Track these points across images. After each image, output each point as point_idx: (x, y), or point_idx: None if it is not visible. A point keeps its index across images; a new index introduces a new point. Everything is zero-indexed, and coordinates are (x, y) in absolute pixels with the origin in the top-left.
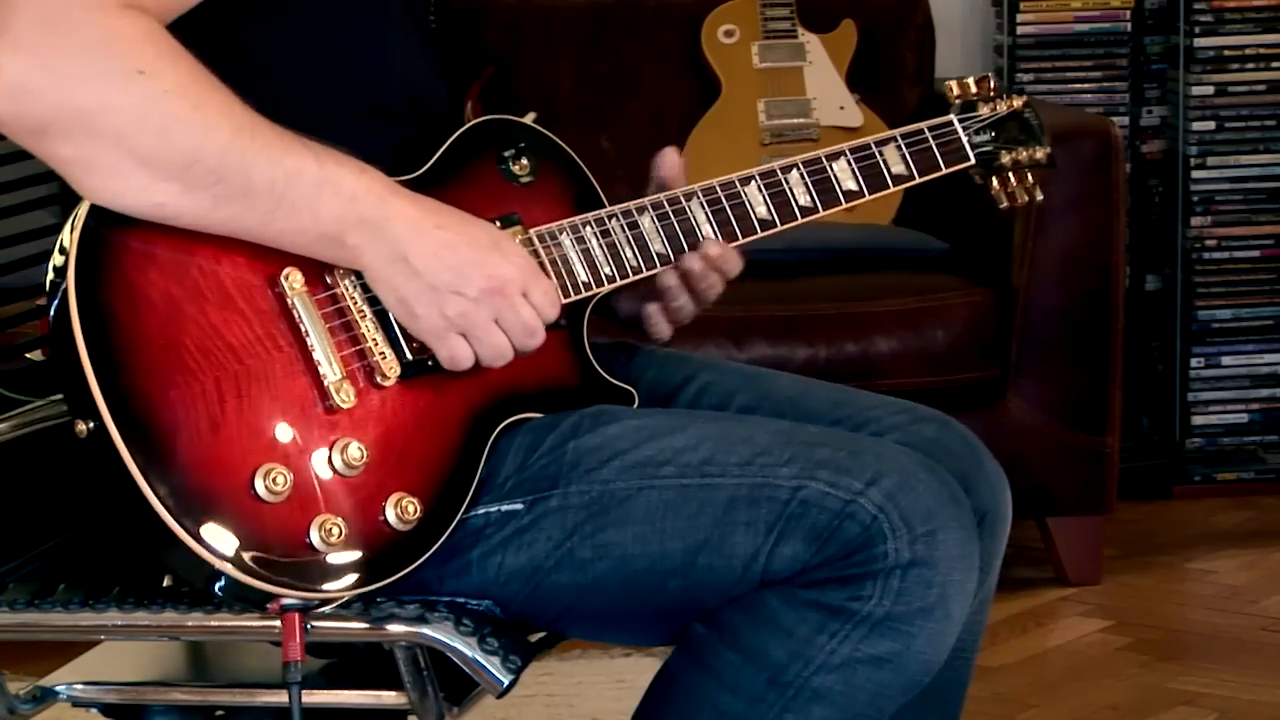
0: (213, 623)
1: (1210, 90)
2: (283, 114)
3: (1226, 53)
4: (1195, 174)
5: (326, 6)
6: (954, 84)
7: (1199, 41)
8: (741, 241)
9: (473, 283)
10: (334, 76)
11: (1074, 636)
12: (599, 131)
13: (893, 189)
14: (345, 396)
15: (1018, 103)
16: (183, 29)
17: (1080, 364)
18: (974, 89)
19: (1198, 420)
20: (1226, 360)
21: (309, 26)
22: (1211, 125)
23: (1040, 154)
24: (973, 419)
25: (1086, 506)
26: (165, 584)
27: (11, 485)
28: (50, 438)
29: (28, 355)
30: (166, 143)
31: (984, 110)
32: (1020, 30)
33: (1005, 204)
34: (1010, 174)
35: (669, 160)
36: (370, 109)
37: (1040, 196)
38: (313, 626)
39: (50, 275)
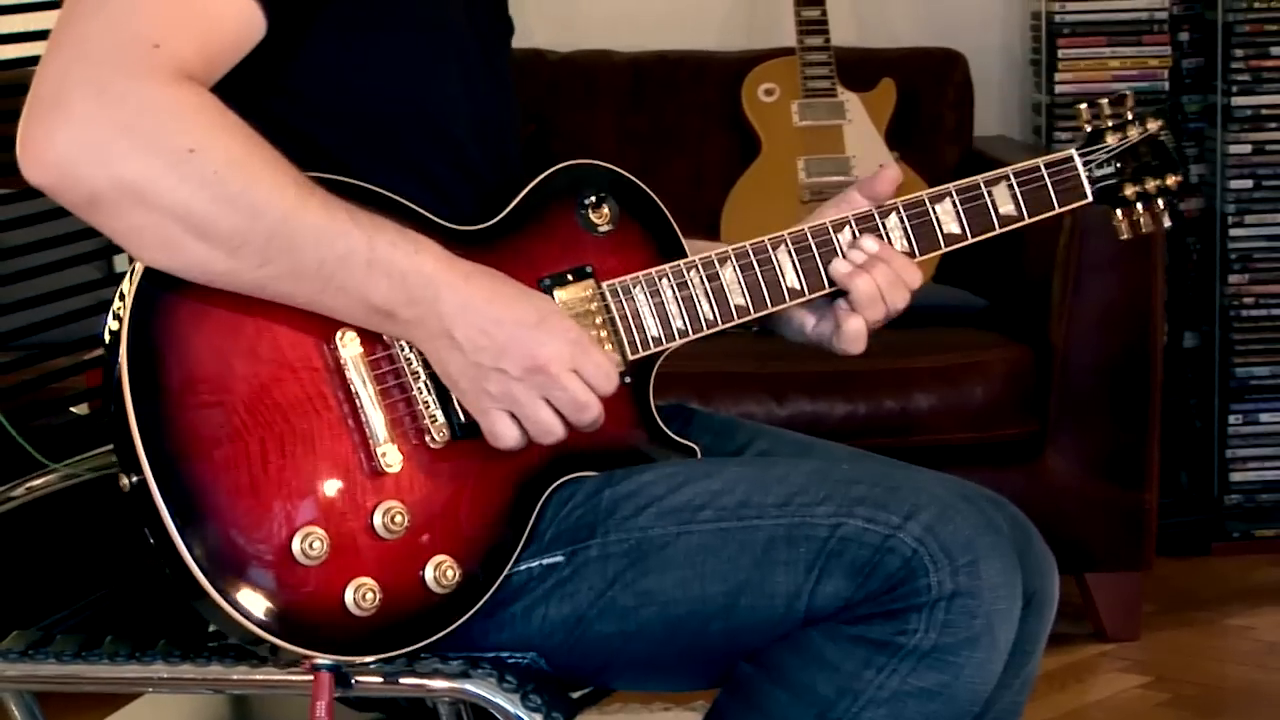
0: (257, 676)
1: (1248, 149)
2: (335, 156)
3: (1264, 111)
4: (1233, 232)
5: (371, 47)
6: (1085, 108)
7: (1236, 100)
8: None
9: (514, 361)
10: (385, 115)
11: (1113, 692)
12: None
13: (999, 230)
14: (391, 460)
15: (1153, 126)
16: (234, 75)
17: (1119, 420)
18: (1107, 112)
19: (1236, 476)
20: (1265, 417)
21: (353, 67)
22: (1249, 184)
23: (1171, 180)
24: (1011, 475)
25: (1125, 562)
26: (211, 641)
27: (59, 537)
28: (96, 490)
29: (72, 409)
30: (214, 224)
31: (1111, 140)
32: (1058, 89)
33: (1127, 235)
34: (1136, 204)
35: (887, 176)
36: (427, 149)
37: (1168, 223)
38: (358, 681)
39: (108, 326)
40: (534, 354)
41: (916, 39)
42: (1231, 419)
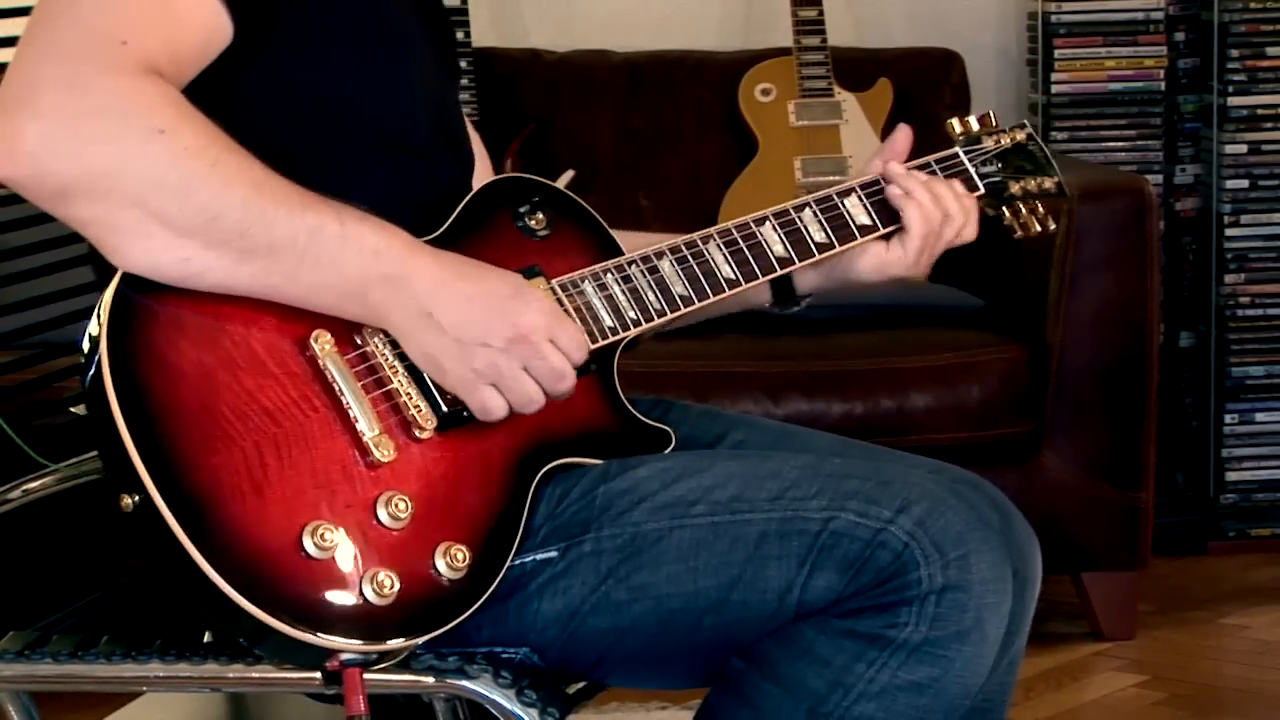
0: (254, 674)
1: (1243, 149)
2: (300, 159)
3: (1260, 112)
4: (1229, 232)
5: (333, 48)
6: (955, 121)
7: (1232, 100)
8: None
9: (498, 333)
10: (349, 116)
11: (1108, 691)
12: (637, 188)
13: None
14: (385, 451)
15: (1020, 135)
16: (191, 87)
17: (1114, 420)
18: (975, 125)
19: (1232, 476)
20: (1260, 416)
21: (315, 69)
22: (1245, 183)
23: (1049, 183)
24: (1007, 474)
25: (1121, 561)
26: (206, 638)
27: (56, 538)
28: (93, 491)
29: (73, 410)
30: (186, 200)
31: (988, 143)
32: (1055, 89)
33: (1019, 234)
34: (1021, 204)
35: (901, 137)
36: (390, 145)
37: (1054, 226)
38: None
39: (85, 350)
40: (516, 324)
41: (913, 39)
42: (1227, 418)
